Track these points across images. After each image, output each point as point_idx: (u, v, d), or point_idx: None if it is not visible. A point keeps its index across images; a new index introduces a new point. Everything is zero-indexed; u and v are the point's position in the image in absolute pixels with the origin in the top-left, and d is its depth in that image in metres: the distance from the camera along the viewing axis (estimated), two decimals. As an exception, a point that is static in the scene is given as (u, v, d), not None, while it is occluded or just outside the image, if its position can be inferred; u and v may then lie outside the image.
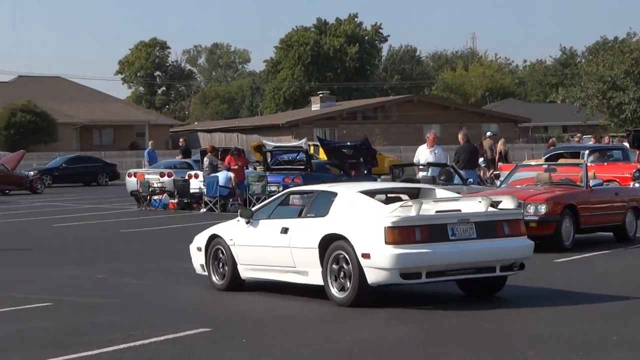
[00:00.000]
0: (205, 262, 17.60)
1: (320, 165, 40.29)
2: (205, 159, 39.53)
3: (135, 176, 42.73)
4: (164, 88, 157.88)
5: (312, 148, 49.11)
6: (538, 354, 11.42)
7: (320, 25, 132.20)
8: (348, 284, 14.85)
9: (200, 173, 39.60)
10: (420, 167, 29.34)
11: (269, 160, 39.03)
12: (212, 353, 11.89)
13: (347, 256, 14.82)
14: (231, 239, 17.04)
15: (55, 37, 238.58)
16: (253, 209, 17.75)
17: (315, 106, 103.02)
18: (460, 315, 14.55)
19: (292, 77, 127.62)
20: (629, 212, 23.97)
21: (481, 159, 42.38)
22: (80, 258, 20.65)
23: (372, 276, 14.59)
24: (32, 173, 60.34)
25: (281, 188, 35.50)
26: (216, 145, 48.22)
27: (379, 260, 14.44)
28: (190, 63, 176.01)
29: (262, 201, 35.12)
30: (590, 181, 24.18)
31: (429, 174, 27.61)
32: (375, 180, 30.59)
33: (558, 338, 12.35)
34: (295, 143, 47.52)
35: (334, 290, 15.08)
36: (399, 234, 14.50)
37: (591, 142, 50.57)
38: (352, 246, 14.73)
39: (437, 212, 15.37)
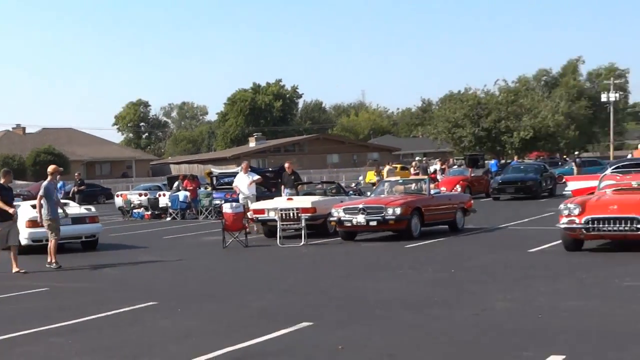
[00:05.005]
0: None
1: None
2: (176, 182, 39.49)
3: (121, 196, 42.48)
4: (147, 134, 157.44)
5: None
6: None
7: (255, 87, 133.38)
8: None
9: (167, 192, 39.41)
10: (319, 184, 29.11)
11: (214, 182, 38.75)
12: (146, 322, 11.63)
13: None
14: None
15: (70, 97, 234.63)
16: None
17: (252, 144, 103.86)
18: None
19: (236, 124, 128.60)
20: (459, 211, 24.07)
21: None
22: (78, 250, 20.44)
23: (23, 241, 20.86)
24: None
25: (223, 202, 35.36)
26: (184, 173, 47.96)
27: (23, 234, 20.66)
28: (166, 115, 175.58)
29: (210, 212, 35.28)
30: (432, 190, 24.40)
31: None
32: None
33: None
34: (235, 169, 47.18)
35: None
36: (31, 223, 20.93)
37: (438, 165, 50.65)
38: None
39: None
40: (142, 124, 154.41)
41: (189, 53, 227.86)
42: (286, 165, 28.96)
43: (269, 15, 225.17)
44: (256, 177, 27.41)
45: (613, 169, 29.23)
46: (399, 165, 59.65)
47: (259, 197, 28.37)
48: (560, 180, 50.10)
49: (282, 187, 27.97)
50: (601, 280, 13.37)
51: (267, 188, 37.71)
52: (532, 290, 12.70)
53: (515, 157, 60.98)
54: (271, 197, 27.83)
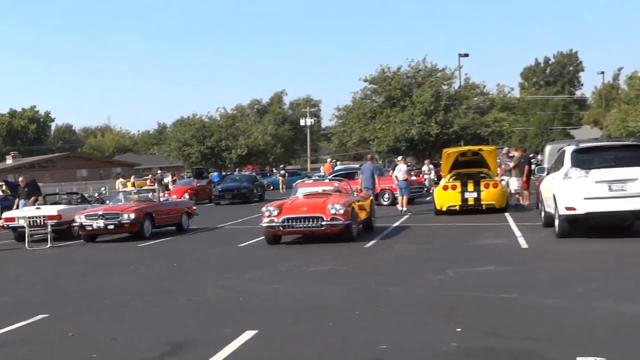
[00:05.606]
0: None
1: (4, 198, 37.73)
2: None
3: None
4: None
5: (4, 186, 45.75)
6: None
7: (12, 112, 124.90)
8: None
9: None
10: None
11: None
12: None
13: None
14: None
15: None
16: None
17: (9, 161, 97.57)
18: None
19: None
20: (184, 214, 23.78)
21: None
22: None
23: None
24: None
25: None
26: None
27: None
28: None
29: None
30: (162, 198, 23.98)
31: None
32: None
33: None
34: (-9, 184, 44.01)
35: None
36: None
37: (170, 177, 50.02)
38: None
39: None
40: None
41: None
42: (20, 179, 27.47)
43: (24, 47, 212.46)
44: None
45: (331, 177, 30.63)
46: (148, 178, 58.05)
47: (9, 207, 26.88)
48: (269, 188, 51.41)
49: (17, 198, 26.50)
50: (293, 267, 13.67)
51: (18, 197, 35.46)
52: (238, 277, 12.75)
53: (237, 170, 61.72)
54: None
